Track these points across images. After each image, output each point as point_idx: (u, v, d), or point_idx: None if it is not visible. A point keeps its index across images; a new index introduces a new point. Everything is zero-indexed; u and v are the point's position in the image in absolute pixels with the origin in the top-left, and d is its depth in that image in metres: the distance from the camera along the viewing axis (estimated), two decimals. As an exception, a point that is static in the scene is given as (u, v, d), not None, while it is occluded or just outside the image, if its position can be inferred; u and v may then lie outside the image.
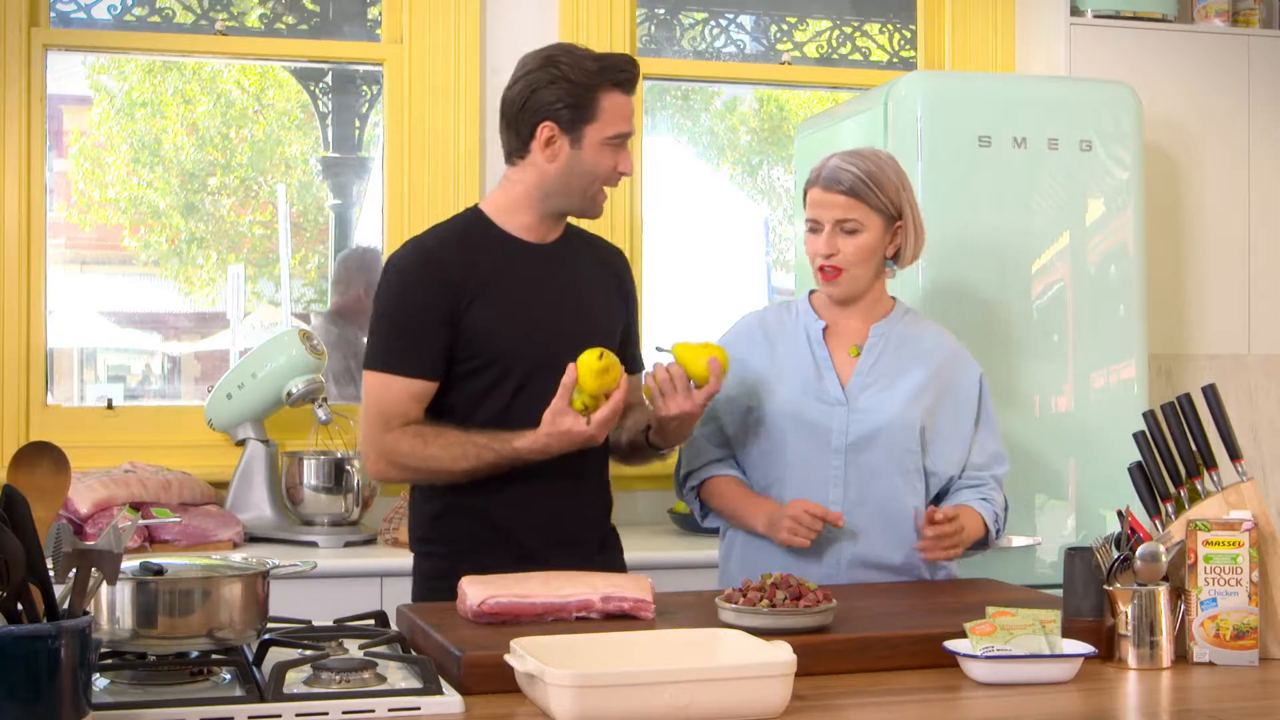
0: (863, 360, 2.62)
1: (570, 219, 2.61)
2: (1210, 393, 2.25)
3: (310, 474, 3.47)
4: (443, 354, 2.45)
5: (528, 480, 2.43)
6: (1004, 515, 2.66)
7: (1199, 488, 2.20)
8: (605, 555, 2.58)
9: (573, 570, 2.23)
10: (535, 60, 2.49)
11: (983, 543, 2.63)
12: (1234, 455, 2.20)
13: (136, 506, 3.36)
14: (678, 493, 2.74)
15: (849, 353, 2.63)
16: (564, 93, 2.45)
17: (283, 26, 4.00)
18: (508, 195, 2.54)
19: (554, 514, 2.49)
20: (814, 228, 2.58)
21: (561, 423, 2.34)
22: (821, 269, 2.59)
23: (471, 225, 2.54)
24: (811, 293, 2.73)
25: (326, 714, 1.68)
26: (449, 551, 2.49)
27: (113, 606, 1.78)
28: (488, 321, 2.45)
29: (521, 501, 2.46)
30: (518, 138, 2.50)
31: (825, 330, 2.65)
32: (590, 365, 2.32)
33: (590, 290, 2.60)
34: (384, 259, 3.36)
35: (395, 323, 2.47)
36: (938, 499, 2.64)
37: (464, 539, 2.49)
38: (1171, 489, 2.21)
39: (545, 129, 2.46)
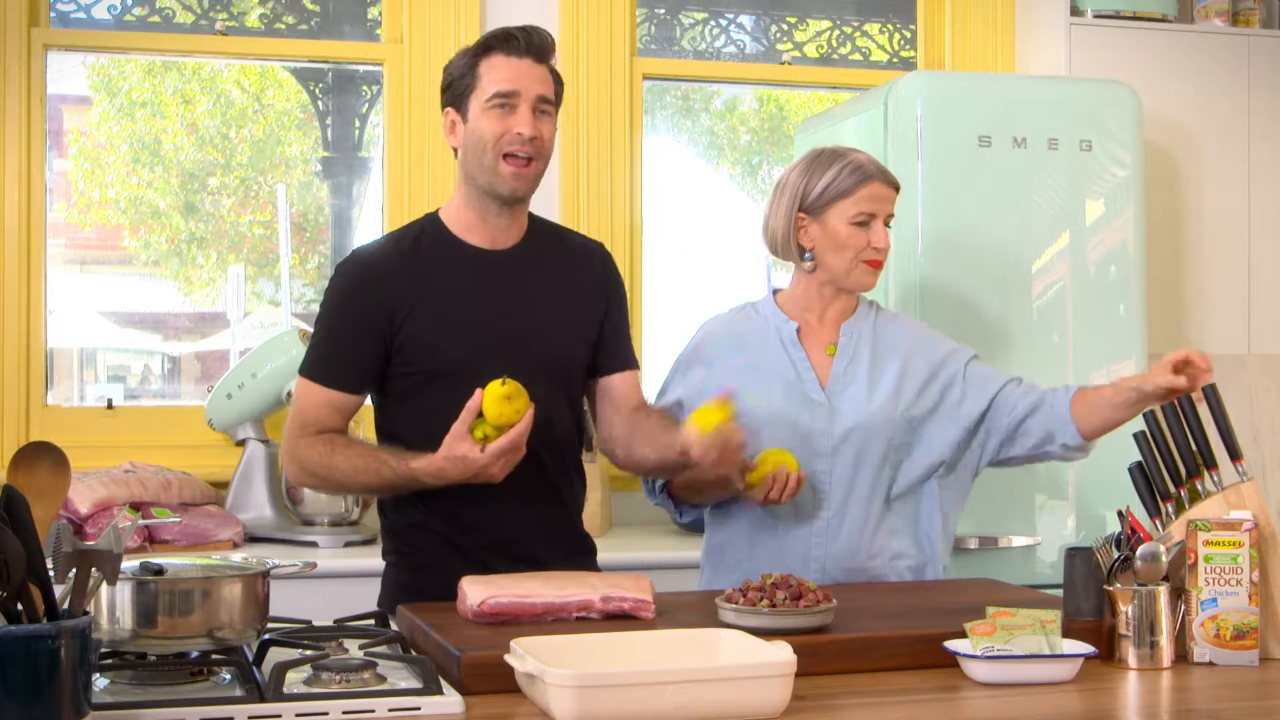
0: (838, 360, 2.62)
1: (540, 218, 2.55)
2: (1211, 392, 2.25)
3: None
4: (369, 368, 2.40)
5: (484, 500, 2.37)
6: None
7: (1199, 488, 2.20)
8: (574, 565, 2.49)
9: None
10: None
11: None
12: (1234, 455, 2.20)
13: (136, 506, 3.36)
14: (649, 499, 2.69)
15: (826, 352, 2.64)
16: (452, 73, 2.43)
17: (283, 26, 4.00)
18: (455, 197, 2.49)
19: (512, 535, 2.42)
20: (866, 221, 2.58)
21: (458, 448, 2.24)
22: (869, 261, 2.59)
23: (423, 232, 2.48)
24: (775, 292, 2.72)
25: (326, 714, 1.68)
26: (414, 565, 2.46)
27: (113, 606, 1.78)
28: (427, 334, 2.39)
29: (478, 522, 2.41)
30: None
31: (798, 331, 2.65)
32: (493, 392, 2.24)
33: (551, 297, 2.49)
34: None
35: (323, 331, 2.44)
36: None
37: (428, 554, 2.44)
38: (1171, 489, 2.21)
39: (447, 115, 2.44)
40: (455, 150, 2.47)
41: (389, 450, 2.37)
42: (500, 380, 2.24)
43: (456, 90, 2.42)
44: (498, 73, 2.38)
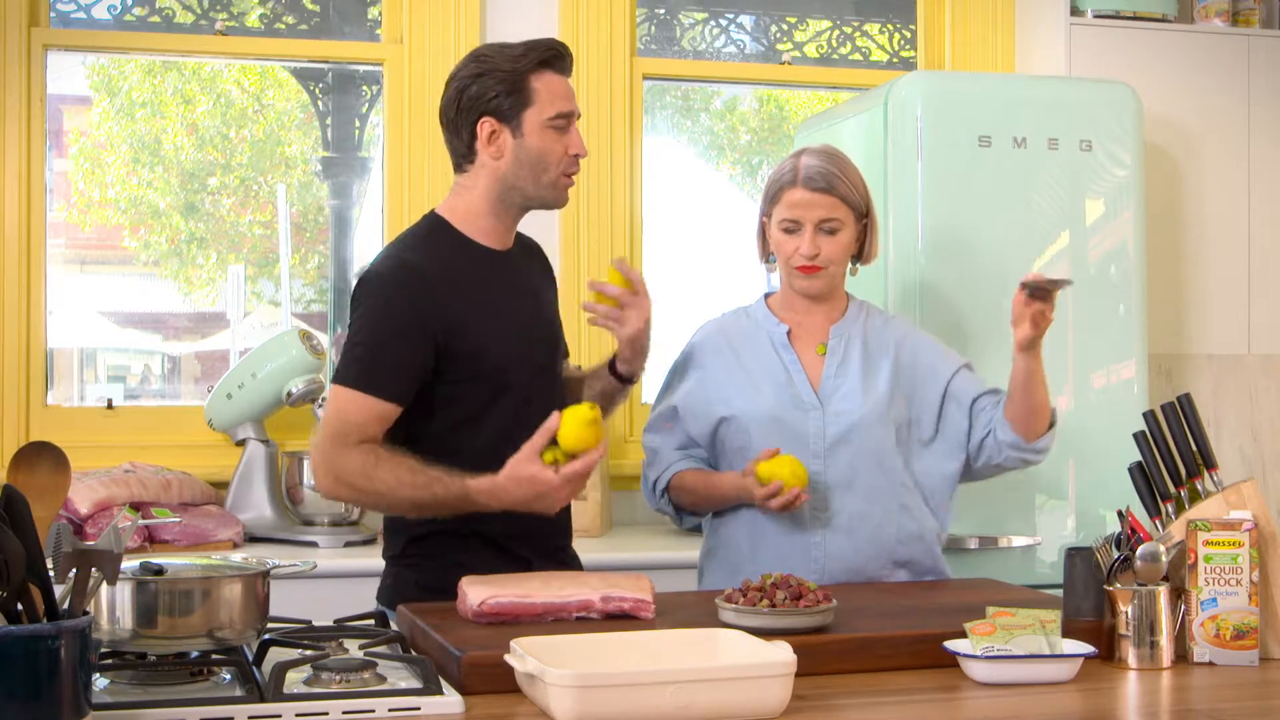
0: (828, 362, 2.62)
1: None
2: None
3: (310, 474, 3.46)
4: (418, 378, 2.36)
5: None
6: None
7: (1199, 488, 2.20)
8: (573, 562, 2.56)
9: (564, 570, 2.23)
10: (463, 61, 2.44)
11: (1051, 421, 2.60)
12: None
13: (136, 506, 3.36)
14: (650, 503, 2.69)
15: (816, 352, 2.63)
16: (494, 82, 2.38)
17: (283, 26, 4.00)
18: (465, 201, 2.45)
19: (541, 529, 2.40)
20: (791, 228, 2.57)
21: (526, 468, 2.21)
22: (799, 267, 2.58)
23: (442, 235, 2.45)
24: (767, 295, 2.71)
25: (326, 714, 1.68)
26: (440, 565, 2.41)
27: (113, 606, 1.78)
28: (479, 338, 2.37)
29: (508, 519, 2.35)
30: (461, 141, 2.43)
31: (789, 334, 2.65)
32: (579, 416, 2.20)
33: (539, 294, 2.56)
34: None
35: (374, 341, 2.36)
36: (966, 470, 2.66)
37: (456, 553, 2.40)
38: (1171, 489, 2.21)
39: (485, 124, 2.39)
40: (464, 156, 2.44)
41: (440, 467, 2.30)
42: (589, 405, 2.23)
43: (504, 103, 2.38)
44: (557, 92, 2.41)
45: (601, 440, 2.22)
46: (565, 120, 2.41)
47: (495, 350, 2.39)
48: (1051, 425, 2.59)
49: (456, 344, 2.36)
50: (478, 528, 2.39)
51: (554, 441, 2.22)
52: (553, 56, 2.41)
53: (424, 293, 2.36)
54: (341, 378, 2.36)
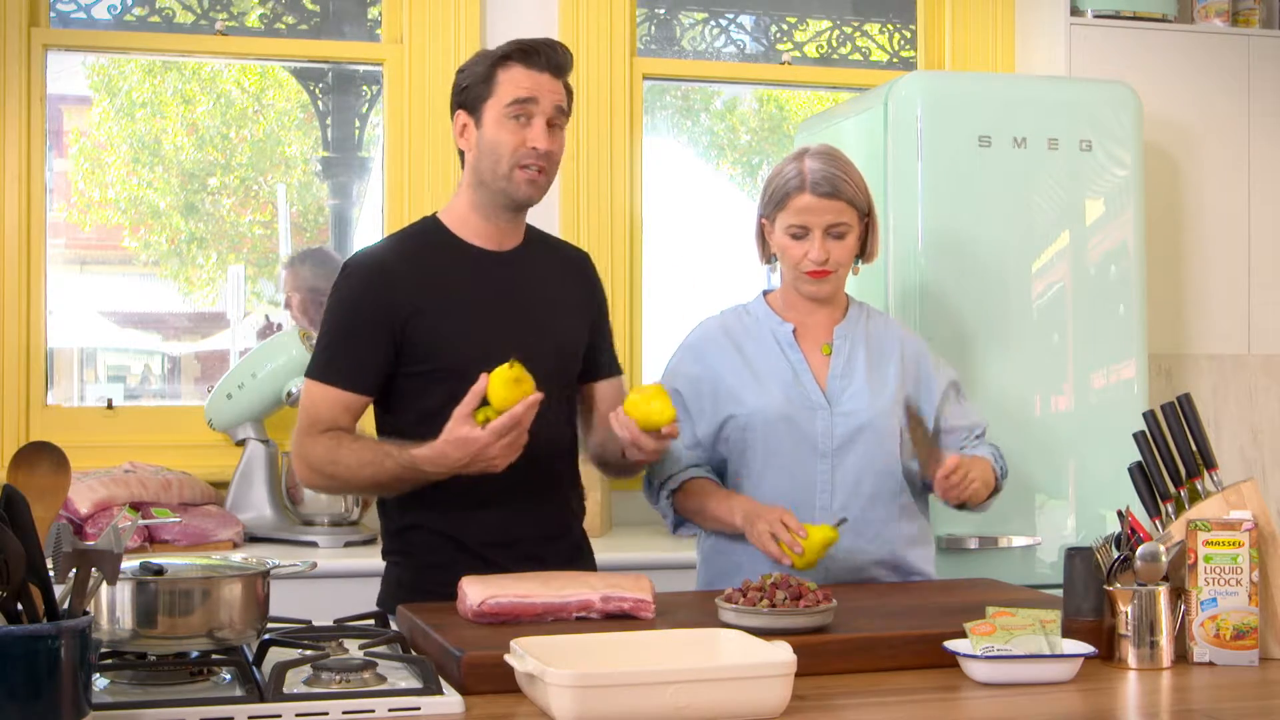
0: (834, 362, 2.61)
1: (533, 225, 2.56)
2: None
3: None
4: (379, 368, 2.40)
5: (488, 502, 2.38)
6: (1001, 455, 2.67)
7: (1199, 488, 2.20)
8: (575, 567, 2.51)
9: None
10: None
11: (996, 488, 2.60)
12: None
13: (136, 506, 3.36)
14: (650, 499, 2.66)
15: (822, 351, 2.62)
16: (467, 77, 2.43)
17: (283, 26, 4.00)
18: (459, 201, 2.50)
19: (515, 535, 2.43)
20: (799, 234, 2.55)
21: (459, 429, 2.22)
22: (809, 272, 2.57)
23: (427, 234, 2.49)
24: (766, 293, 2.71)
25: (326, 714, 1.68)
26: (417, 564, 2.45)
27: (113, 606, 1.78)
28: (436, 333, 2.40)
29: (482, 522, 2.40)
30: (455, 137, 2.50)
31: (794, 332, 2.64)
32: (501, 375, 2.22)
33: (550, 299, 2.52)
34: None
35: (336, 333, 2.42)
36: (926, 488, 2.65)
37: (431, 553, 2.43)
38: (1171, 489, 2.21)
39: (458, 118, 2.45)
40: (461, 152, 2.48)
41: (392, 442, 2.35)
42: (509, 363, 2.23)
43: (471, 95, 2.42)
44: (517, 82, 2.40)
45: (529, 393, 2.21)
46: (521, 108, 2.39)
47: (456, 346, 2.39)
48: (996, 491, 2.60)
49: (413, 339, 2.39)
50: (451, 531, 2.42)
51: (486, 402, 2.24)
52: (519, 50, 2.41)
53: (386, 287, 2.40)
54: (309, 369, 2.45)
